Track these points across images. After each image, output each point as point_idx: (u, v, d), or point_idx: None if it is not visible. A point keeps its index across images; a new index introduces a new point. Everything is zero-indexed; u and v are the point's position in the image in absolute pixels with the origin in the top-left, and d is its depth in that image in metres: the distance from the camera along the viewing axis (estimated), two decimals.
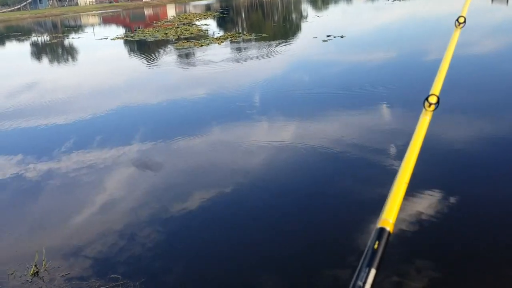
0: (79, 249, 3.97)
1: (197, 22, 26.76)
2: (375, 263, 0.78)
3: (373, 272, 0.77)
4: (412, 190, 4.20)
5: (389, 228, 0.84)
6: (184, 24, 26.08)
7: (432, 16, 19.26)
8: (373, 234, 0.84)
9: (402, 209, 3.77)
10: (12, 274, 3.72)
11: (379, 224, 0.85)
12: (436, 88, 1.30)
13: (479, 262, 3.30)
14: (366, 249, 0.82)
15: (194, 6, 49.11)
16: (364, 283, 0.75)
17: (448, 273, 3.19)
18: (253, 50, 14.34)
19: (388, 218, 0.86)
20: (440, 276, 3.14)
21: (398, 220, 3.74)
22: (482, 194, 4.24)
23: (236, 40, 17.01)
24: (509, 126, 5.91)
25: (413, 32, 15.46)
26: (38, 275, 3.67)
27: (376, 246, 0.80)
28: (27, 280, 3.62)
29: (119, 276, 3.50)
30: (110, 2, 65.21)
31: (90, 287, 3.42)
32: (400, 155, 5.04)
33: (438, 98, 1.19)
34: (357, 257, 3.40)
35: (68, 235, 4.25)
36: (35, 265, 3.74)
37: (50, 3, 65.70)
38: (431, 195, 4.16)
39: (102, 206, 4.78)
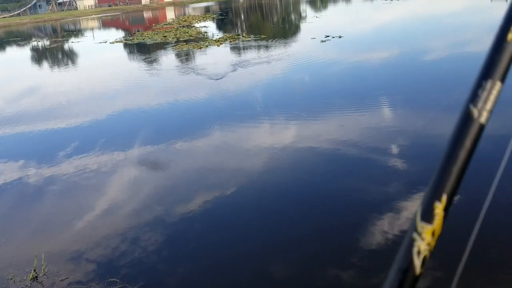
0: (78, 253, 3.98)
1: (196, 25, 26.81)
2: (499, 72, 0.46)
3: (498, 85, 0.46)
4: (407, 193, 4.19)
5: None
6: (183, 26, 26.12)
7: (432, 16, 19.24)
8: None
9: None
10: (11, 279, 3.73)
11: None
12: None
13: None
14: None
15: (194, 9, 49.21)
16: (485, 100, 0.46)
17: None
18: (252, 51, 14.35)
19: None
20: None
21: (397, 223, 3.78)
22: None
23: (235, 41, 17.02)
24: None
25: (412, 32, 15.45)
26: (37, 279, 3.68)
27: (509, 37, 0.47)
28: (27, 285, 3.63)
29: (118, 280, 3.51)
30: (110, 6, 65.36)
31: None
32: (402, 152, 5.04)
33: None
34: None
35: (66, 240, 4.26)
36: (34, 270, 3.75)
37: (50, 8, 65.91)
38: None
39: (105, 208, 4.79)
